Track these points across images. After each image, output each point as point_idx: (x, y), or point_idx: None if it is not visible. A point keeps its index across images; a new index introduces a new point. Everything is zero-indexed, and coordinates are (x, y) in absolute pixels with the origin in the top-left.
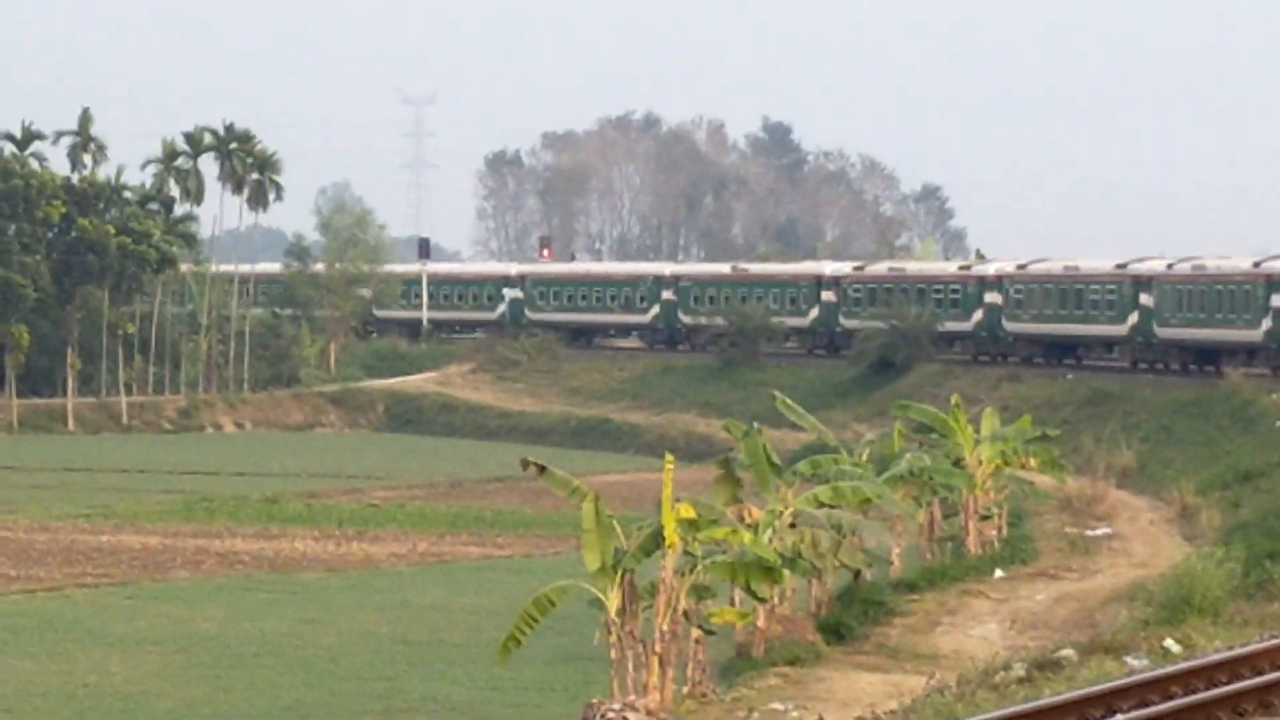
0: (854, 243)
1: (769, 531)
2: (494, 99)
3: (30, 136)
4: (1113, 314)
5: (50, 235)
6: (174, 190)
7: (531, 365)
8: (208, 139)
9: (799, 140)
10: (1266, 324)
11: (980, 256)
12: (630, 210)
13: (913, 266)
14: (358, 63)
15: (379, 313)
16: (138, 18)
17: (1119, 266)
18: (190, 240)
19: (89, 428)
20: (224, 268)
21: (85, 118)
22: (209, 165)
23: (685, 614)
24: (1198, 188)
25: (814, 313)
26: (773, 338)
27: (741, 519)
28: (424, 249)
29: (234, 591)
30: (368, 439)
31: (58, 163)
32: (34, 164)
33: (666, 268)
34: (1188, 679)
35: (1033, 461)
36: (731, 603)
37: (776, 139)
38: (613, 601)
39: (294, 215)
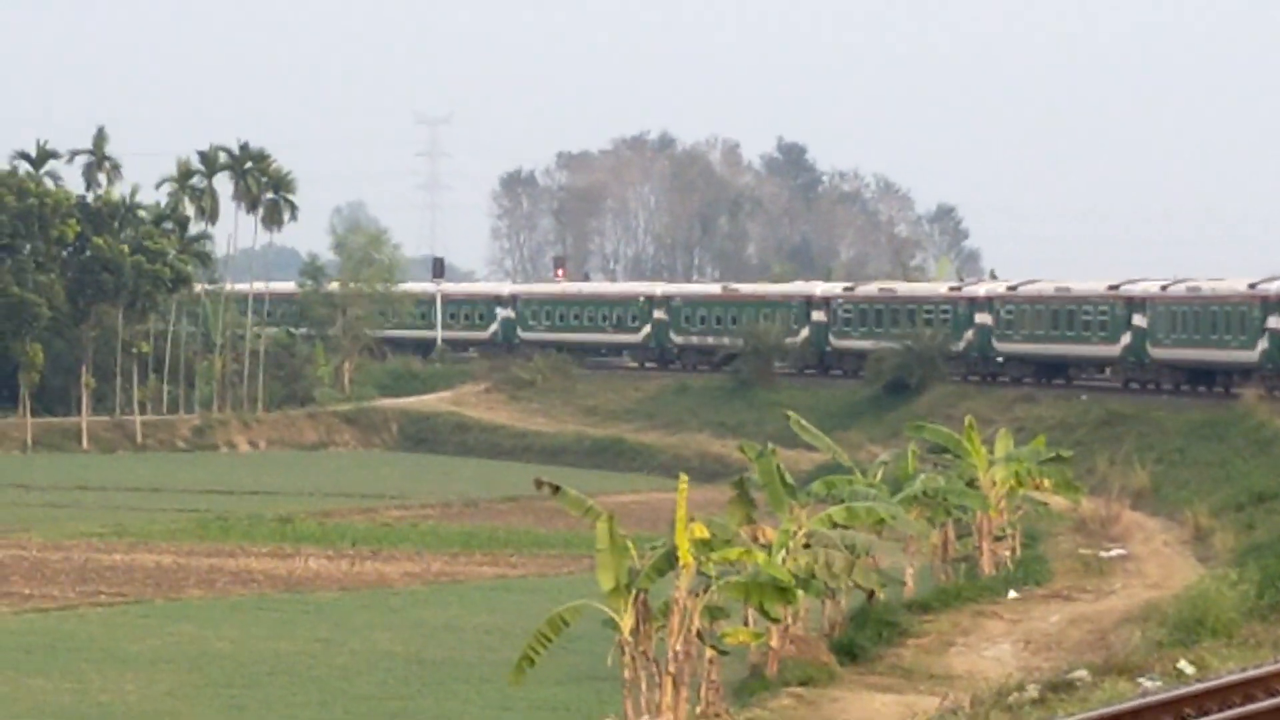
0: (869, 263)
1: (783, 552)
2: (509, 119)
3: (45, 155)
4: (1105, 334)
5: (65, 254)
6: (189, 209)
7: (545, 385)
8: (223, 158)
9: (814, 160)
10: (1262, 344)
11: (993, 276)
12: (645, 230)
13: (903, 288)
14: (373, 83)
15: (379, 332)
16: (153, 37)
17: (1111, 288)
18: (205, 259)
19: (103, 446)
20: (238, 287)
21: (100, 137)
22: (224, 184)
23: (699, 634)
24: (1219, 208)
25: (804, 333)
26: (785, 357)
27: (755, 539)
28: (438, 269)
29: (247, 610)
30: (381, 458)
31: (73, 182)
32: (49, 183)
33: (657, 287)
34: (1201, 700)
35: (1047, 482)
36: (745, 623)
37: (791, 159)
38: (626, 622)
39: (309, 235)
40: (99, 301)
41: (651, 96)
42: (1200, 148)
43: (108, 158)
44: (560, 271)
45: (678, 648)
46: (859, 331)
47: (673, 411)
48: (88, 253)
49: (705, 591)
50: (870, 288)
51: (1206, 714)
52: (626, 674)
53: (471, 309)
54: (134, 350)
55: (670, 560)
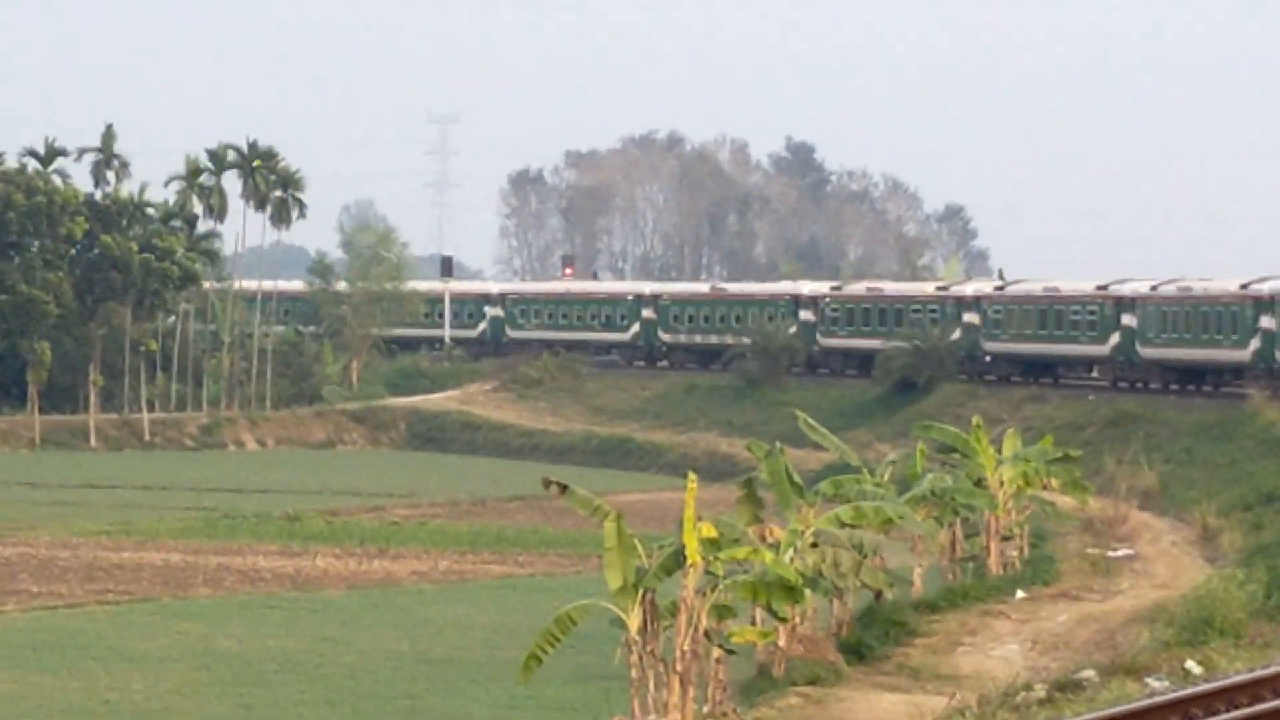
0: (877, 263)
1: (790, 551)
2: (518, 118)
3: (54, 153)
4: (1094, 334)
5: (73, 252)
6: (197, 207)
7: (554, 384)
8: (231, 156)
9: (822, 160)
10: (1254, 344)
11: (1001, 276)
12: (653, 229)
13: (890, 287)
14: (382, 81)
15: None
16: (162, 35)
17: (1100, 288)
18: (213, 257)
19: (111, 444)
20: (247, 285)
21: (109, 134)
22: (232, 182)
23: (706, 633)
24: (1220, 208)
25: (792, 331)
26: (794, 357)
27: (763, 538)
28: (446, 267)
29: (255, 609)
30: (390, 457)
31: (81, 179)
32: (57, 180)
33: (646, 286)
34: (1209, 700)
35: (1054, 482)
36: (753, 622)
37: (800, 159)
38: (634, 620)
39: (317, 233)
40: (107, 299)
41: (660, 95)
42: (1202, 148)
43: (116, 155)
44: (568, 270)
45: (685, 647)
46: (846, 330)
47: (681, 411)
48: (96, 251)
49: (713, 591)
50: (857, 287)
51: (1214, 714)
52: (634, 673)
53: (460, 308)
54: (142, 348)
55: (678, 559)
